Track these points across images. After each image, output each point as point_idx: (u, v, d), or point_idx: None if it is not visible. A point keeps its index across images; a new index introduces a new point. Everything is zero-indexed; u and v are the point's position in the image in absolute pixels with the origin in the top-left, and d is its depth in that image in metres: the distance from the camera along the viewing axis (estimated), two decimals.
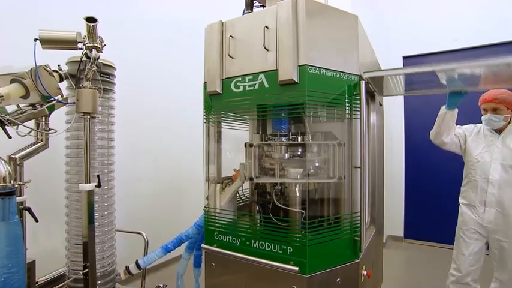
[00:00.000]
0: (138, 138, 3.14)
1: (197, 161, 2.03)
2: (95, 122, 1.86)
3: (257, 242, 1.60)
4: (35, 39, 1.57)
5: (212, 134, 1.84)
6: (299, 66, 1.48)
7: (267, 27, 1.55)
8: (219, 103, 1.72)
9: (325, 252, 1.51)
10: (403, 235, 4.48)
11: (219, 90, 1.68)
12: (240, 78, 1.63)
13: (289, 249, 1.50)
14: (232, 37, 1.67)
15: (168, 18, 3.46)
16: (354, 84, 1.59)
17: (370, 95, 2.03)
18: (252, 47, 1.61)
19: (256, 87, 1.58)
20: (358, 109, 1.57)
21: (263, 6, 1.96)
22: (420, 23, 4.33)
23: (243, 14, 1.96)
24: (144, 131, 3.22)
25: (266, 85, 1.55)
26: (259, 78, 1.57)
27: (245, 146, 1.77)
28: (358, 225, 1.59)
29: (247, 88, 1.61)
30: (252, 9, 1.97)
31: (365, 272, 1.66)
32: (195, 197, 2.27)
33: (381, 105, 2.42)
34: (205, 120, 1.80)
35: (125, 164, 2.44)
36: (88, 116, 1.66)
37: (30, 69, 1.57)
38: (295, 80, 1.46)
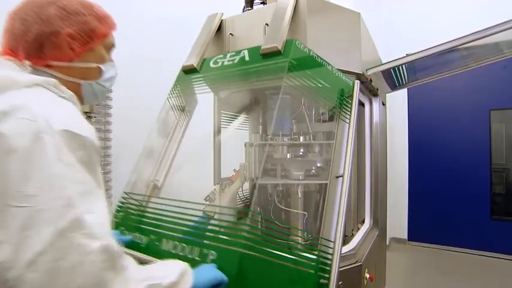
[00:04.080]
0: (135, 138, 3.11)
1: (196, 161, 1.99)
2: (92, 122, 1.83)
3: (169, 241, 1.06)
4: None
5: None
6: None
7: (268, 25, 1.52)
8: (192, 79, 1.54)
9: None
10: (406, 237, 4.42)
11: (195, 65, 1.50)
12: (221, 55, 1.47)
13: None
14: (232, 35, 1.64)
15: (167, 15, 3.43)
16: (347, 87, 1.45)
17: (373, 94, 1.99)
18: (252, 45, 1.57)
19: (235, 61, 1.40)
20: (349, 112, 1.40)
21: (263, 3, 1.92)
22: (424, 21, 4.30)
23: (243, 11, 1.93)
24: (142, 131, 3.18)
25: (247, 58, 1.37)
26: (241, 53, 1.40)
27: (245, 145, 1.73)
28: (329, 259, 1.04)
29: (225, 63, 1.43)
30: (252, 7, 1.94)
31: (368, 275, 1.62)
32: (195, 198, 2.23)
33: (384, 104, 2.37)
34: (169, 97, 1.64)
35: (122, 164, 2.41)
36: (84, 116, 1.63)
37: None
38: (279, 48, 1.26)
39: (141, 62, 3.11)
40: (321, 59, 1.38)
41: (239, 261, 0.90)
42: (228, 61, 1.42)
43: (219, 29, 1.71)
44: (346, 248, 1.57)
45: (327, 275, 1.01)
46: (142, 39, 3.16)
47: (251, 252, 0.92)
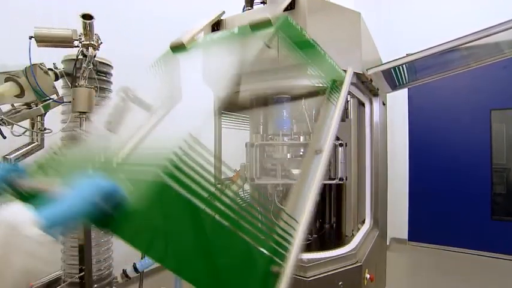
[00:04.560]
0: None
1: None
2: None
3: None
4: (30, 37, 1.55)
5: None
6: None
7: None
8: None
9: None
10: (407, 237, 4.42)
11: (184, 42, 1.43)
12: (212, 34, 1.42)
13: None
14: None
15: (167, 15, 3.43)
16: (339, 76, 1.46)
17: (373, 94, 1.99)
18: None
19: (224, 36, 1.33)
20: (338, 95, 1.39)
21: (263, 3, 1.92)
22: (424, 21, 4.30)
23: (243, 11, 1.93)
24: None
25: (235, 31, 1.29)
26: (232, 30, 1.32)
27: (246, 146, 1.73)
28: (287, 244, 0.82)
29: (214, 39, 1.37)
30: (252, 7, 1.94)
31: (368, 276, 1.62)
32: None
33: (384, 104, 2.37)
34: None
35: None
36: (84, 116, 1.63)
37: (25, 68, 1.54)
38: (270, 17, 1.14)
39: (141, 62, 3.10)
40: (314, 41, 1.30)
41: (158, 191, 0.61)
42: (218, 37, 1.35)
43: (219, 28, 1.70)
44: (346, 248, 1.57)
45: (281, 262, 0.77)
46: (142, 39, 3.15)
47: (180, 190, 0.64)
